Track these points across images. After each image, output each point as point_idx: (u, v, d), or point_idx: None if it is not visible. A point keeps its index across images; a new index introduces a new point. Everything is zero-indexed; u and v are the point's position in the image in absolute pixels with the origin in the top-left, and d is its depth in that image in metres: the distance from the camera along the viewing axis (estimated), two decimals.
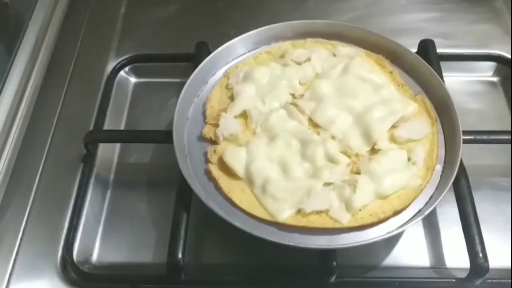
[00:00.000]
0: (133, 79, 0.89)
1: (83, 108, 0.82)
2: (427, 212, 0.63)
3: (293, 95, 0.74)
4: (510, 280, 0.65)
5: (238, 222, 0.61)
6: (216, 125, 0.70)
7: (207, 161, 0.68)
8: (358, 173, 0.66)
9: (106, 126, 0.80)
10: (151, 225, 0.72)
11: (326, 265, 0.63)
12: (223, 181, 0.66)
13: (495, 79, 0.88)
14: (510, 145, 0.74)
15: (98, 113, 0.80)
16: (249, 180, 0.66)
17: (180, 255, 0.63)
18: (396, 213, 0.64)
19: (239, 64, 0.78)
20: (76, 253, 0.68)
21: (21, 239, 0.70)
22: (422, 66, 0.75)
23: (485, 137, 0.72)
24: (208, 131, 0.70)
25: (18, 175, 0.75)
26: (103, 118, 0.80)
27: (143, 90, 0.88)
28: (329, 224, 0.62)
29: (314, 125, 0.70)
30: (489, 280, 0.64)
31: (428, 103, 0.73)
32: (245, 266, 0.69)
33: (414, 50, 0.80)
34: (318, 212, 0.63)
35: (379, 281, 0.66)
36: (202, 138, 0.70)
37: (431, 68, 0.74)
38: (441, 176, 0.67)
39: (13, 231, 0.70)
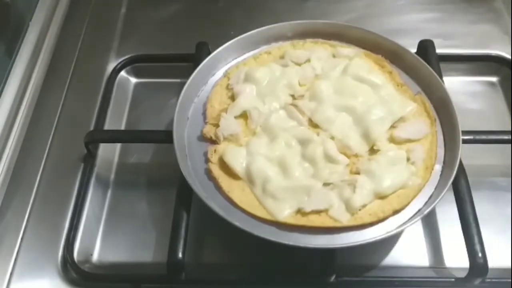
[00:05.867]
0: (133, 79, 0.90)
1: (83, 108, 0.82)
2: (426, 212, 0.63)
3: (293, 95, 0.74)
4: (509, 280, 0.65)
5: (238, 221, 0.61)
6: (217, 125, 0.70)
7: (207, 160, 0.68)
8: (357, 173, 0.66)
9: (106, 126, 0.80)
10: (152, 224, 0.72)
11: (325, 265, 0.63)
12: (223, 180, 0.66)
13: (494, 79, 0.88)
14: (509, 145, 0.74)
15: (99, 113, 0.81)
16: (249, 180, 0.66)
17: (180, 255, 0.63)
18: (396, 212, 0.64)
19: (239, 65, 0.78)
20: (77, 252, 0.68)
21: (22, 239, 0.70)
22: (421, 66, 0.75)
23: (484, 137, 0.72)
24: (208, 131, 0.70)
25: (19, 175, 0.76)
26: (103, 118, 0.80)
27: (143, 90, 0.88)
28: (328, 223, 0.63)
29: (314, 125, 0.71)
30: (489, 280, 0.64)
31: (428, 103, 0.73)
32: (245, 265, 0.70)
33: (413, 50, 0.80)
34: (318, 212, 0.63)
35: (379, 281, 0.66)
36: (202, 138, 0.71)
37: (431, 68, 0.74)
38: (440, 176, 0.67)
39: (14, 231, 0.70)
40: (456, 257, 0.69)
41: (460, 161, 0.66)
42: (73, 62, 0.88)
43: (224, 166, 0.67)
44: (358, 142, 0.69)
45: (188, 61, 0.82)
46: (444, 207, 0.71)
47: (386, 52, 0.78)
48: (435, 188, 0.66)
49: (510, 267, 0.68)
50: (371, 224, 0.63)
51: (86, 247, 0.70)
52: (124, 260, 0.70)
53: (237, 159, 0.67)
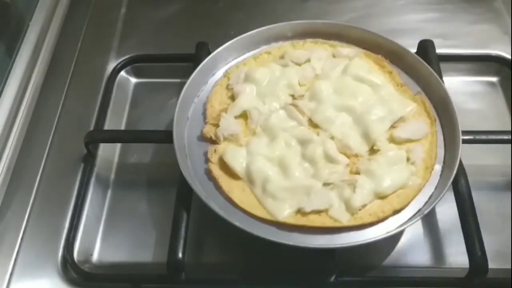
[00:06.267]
0: (133, 79, 0.90)
1: (83, 108, 0.82)
2: (426, 212, 0.63)
3: (293, 95, 0.74)
4: (509, 280, 0.65)
5: (238, 221, 0.61)
6: (217, 125, 0.70)
7: (207, 160, 0.68)
8: (357, 173, 0.66)
9: (106, 126, 0.80)
10: (152, 224, 0.72)
11: (325, 265, 0.63)
12: (223, 180, 0.66)
13: (494, 79, 0.88)
14: (509, 145, 0.74)
15: (99, 113, 0.81)
16: (249, 180, 0.66)
17: (180, 255, 0.63)
18: (396, 212, 0.64)
19: (239, 65, 0.78)
20: (77, 252, 0.68)
21: (22, 239, 0.70)
22: (421, 66, 0.75)
23: (484, 137, 0.72)
24: (208, 131, 0.70)
25: (19, 174, 0.76)
26: (103, 118, 0.80)
27: (143, 90, 0.88)
28: (328, 223, 0.63)
29: (314, 125, 0.71)
30: (489, 280, 0.64)
31: (428, 103, 0.73)
32: (245, 265, 0.70)
33: (413, 50, 0.80)
34: (318, 212, 0.63)
35: (379, 281, 0.66)
36: (202, 138, 0.71)
37: (431, 68, 0.74)
38: (440, 176, 0.67)
39: (14, 231, 0.70)
40: (456, 257, 0.69)
41: (460, 161, 0.66)
42: (73, 62, 0.89)
43: (224, 166, 0.67)
44: (358, 142, 0.69)
45: (188, 61, 0.82)
46: (444, 207, 0.71)
47: (386, 52, 0.78)
48: (435, 188, 0.66)
49: (510, 267, 0.68)
50: (371, 224, 0.63)
51: (86, 247, 0.70)
52: (124, 260, 0.70)
53: (237, 159, 0.67)
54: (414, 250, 0.70)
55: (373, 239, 0.61)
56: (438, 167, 0.68)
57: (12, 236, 0.70)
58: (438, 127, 0.72)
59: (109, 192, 0.77)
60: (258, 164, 0.66)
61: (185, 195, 0.67)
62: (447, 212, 0.70)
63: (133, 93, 0.88)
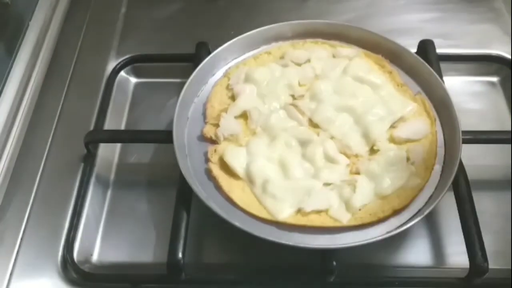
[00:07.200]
0: (133, 79, 0.90)
1: (83, 108, 0.82)
2: (426, 212, 0.63)
3: (293, 96, 0.74)
4: (509, 280, 0.65)
5: (238, 221, 0.62)
6: (217, 125, 0.70)
7: (207, 160, 0.68)
8: (357, 173, 0.66)
9: (106, 126, 0.80)
10: (152, 224, 0.72)
11: (325, 265, 0.63)
12: (223, 180, 0.66)
13: (494, 79, 0.88)
14: (509, 145, 0.74)
15: (99, 113, 0.81)
16: (249, 180, 0.66)
17: (180, 255, 0.63)
18: (396, 212, 0.64)
19: (239, 65, 0.78)
20: (77, 252, 0.68)
21: (21, 239, 0.70)
22: (421, 66, 0.75)
23: (484, 137, 0.72)
24: (208, 131, 0.70)
25: (19, 175, 0.75)
26: (103, 118, 0.80)
27: (143, 90, 0.88)
28: (328, 223, 0.63)
29: (314, 125, 0.71)
30: (489, 280, 0.64)
31: (428, 103, 0.73)
32: (245, 265, 0.70)
33: (413, 50, 0.80)
34: (318, 212, 0.63)
35: (379, 281, 0.66)
36: (202, 138, 0.71)
37: (431, 68, 0.74)
38: (440, 176, 0.67)
39: (14, 231, 0.70)
40: (456, 257, 0.69)
41: (460, 161, 0.66)
42: (73, 62, 0.88)
43: (224, 166, 0.67)
44: (358, 142, 0.69)
45: (188, 61, 0.82)
46: (444, 207, 0.71)
47: (386, 52, 0.78)
48: (435, 188, 0.66)
49: (510, 267, 0.68)
50: (371, 224, 0.63)
51: (86, 247, 0.70)
52: (124, 260, 0.70)
53: (237, 159, 0.67)
54: (414, 250, 0.70)
55: (373, 239, 0.61)
56: (438, 167, 0.68)
57: (12, 236, 0.70)
58: (438, 127, 0.72)
59: (109, 192, 0.76)
60: (258, 164, 0.66)
61: (185, 195, 0.67)
62: (447, 212, 0.70)
63: (133, 93, 0.88)
